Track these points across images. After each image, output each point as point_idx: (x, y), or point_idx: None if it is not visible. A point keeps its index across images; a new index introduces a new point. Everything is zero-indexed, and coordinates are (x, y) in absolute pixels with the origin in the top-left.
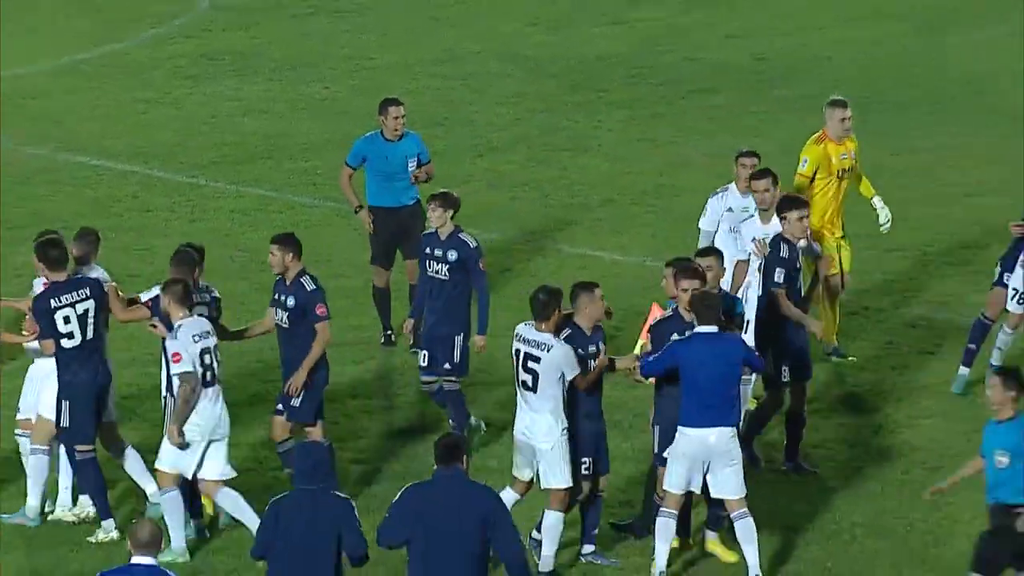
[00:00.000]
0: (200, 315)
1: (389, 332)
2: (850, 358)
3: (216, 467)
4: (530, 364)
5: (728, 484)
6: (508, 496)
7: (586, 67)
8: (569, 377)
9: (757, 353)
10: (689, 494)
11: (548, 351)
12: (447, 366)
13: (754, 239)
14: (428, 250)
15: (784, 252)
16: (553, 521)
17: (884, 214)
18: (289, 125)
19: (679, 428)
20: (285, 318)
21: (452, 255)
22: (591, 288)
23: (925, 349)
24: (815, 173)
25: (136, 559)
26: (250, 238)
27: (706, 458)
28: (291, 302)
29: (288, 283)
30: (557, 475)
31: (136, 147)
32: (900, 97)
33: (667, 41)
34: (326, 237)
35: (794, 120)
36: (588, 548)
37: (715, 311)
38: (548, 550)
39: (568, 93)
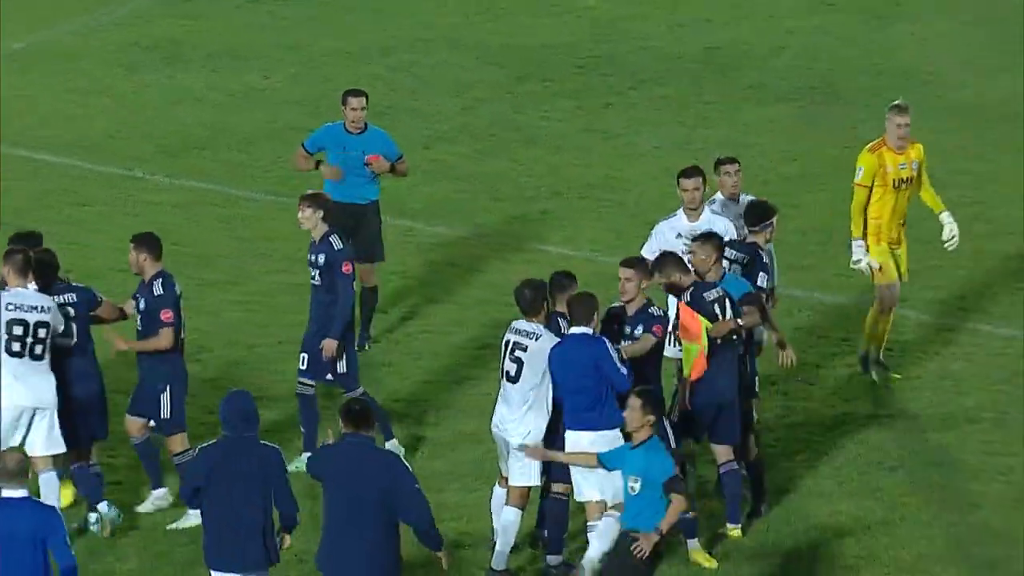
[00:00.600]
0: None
1: (366, 337)
2: (895, 375)
3: (39, 442)
4: (516, 353)
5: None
6: (498, 492)
7: (533, 56)
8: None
9: (624, 369)
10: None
11: (536, 339)
12: (329, 377)
13: (684, 238)
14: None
15: (766, 258)
16: (511, 518)
17: (949, 230)
18: (227, 116)
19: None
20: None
21: (321, 259)
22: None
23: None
24: (872, 182)
25: (6, 492)
26: (188, 232)
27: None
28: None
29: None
30: (524, 472)
31: (70, 139)
32: (849, 87)
33: (616, 30)
34: (267, 231)
35: (746, 110)
36: (553, 559)
37: (590, 312)
38: (501, 547)
39: (515, 83)
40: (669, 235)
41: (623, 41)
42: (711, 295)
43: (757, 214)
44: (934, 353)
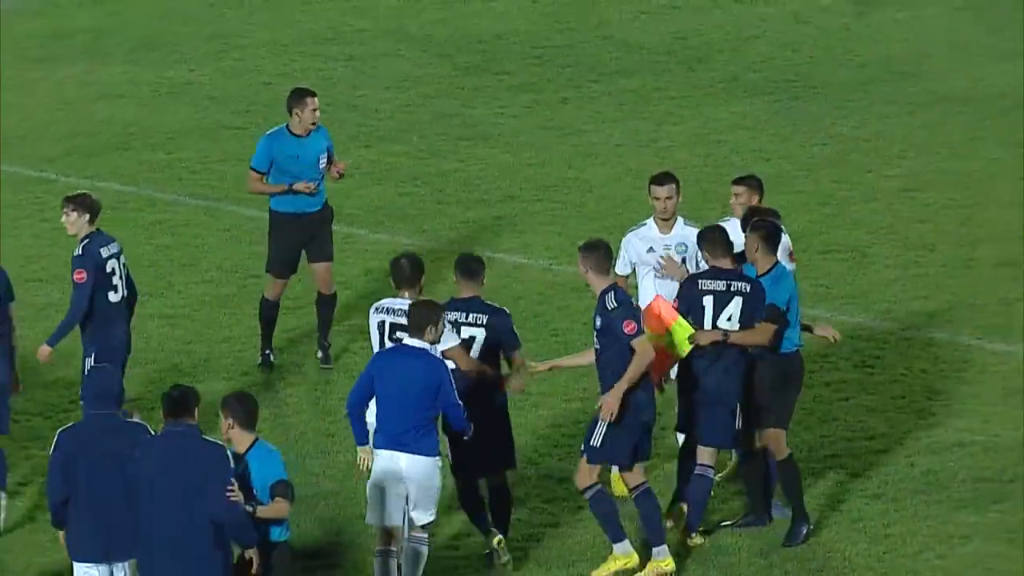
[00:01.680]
0: None
1: (268, 352)
2: None
3: None
4: (398, 333)
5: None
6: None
7: (484, 46)
8: (443, 348)
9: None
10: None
11: None
12: None
13: (657, 252)
14: None
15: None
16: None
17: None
18: (150, 112)
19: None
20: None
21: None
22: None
23: (864, 362)
24: None
25: None
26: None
27: (398, 479)
28: None
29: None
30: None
31: None
32: (829, 80)
33: (575, 17)
34: (193, 237)
35: (716, 105)
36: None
37: (427, 323)
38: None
39: (464, 75)
40: (640, 247)
41: (582, 30)
42: (709, 285)
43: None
44: (920, 370)
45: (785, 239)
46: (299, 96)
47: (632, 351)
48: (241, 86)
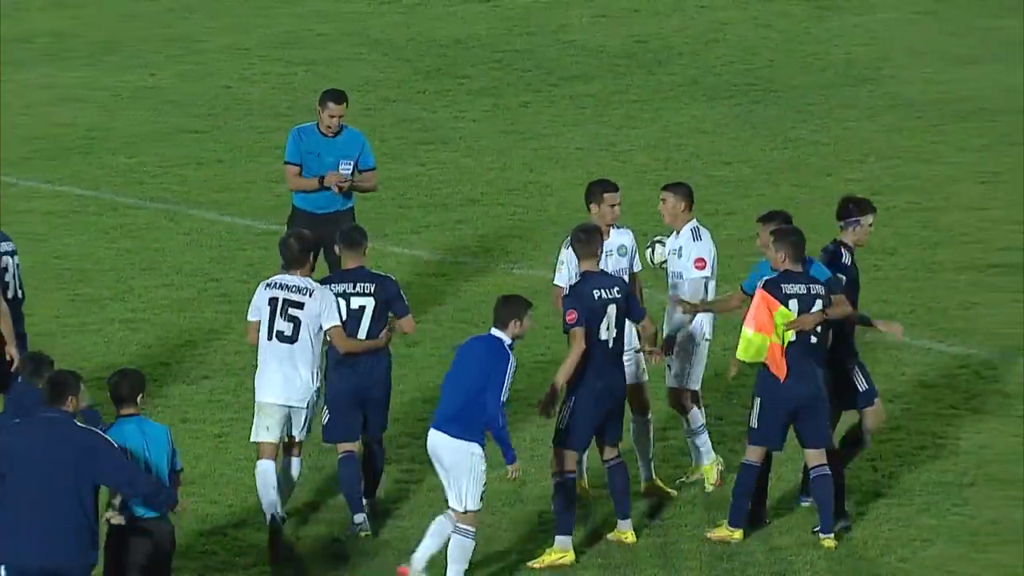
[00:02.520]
0: None
1: None
2: None
3: None
4: (291, 311)
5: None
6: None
7: (445, 51)
8: (326, 327)
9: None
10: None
11: (310, 295)
12: None
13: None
14: None
15: (847, 259)
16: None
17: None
18: (110, 116)
19: None
20: None
21: None
22: None
23: None
24: None
25: None
26: (68, 243)
27: (438, 460)
28: None
29: None
30: (303, 431)
31: None
32: (789, 84)
33: (535, 22)
34: (153, 241)
35: (676, 109)
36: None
37: (513, 318)
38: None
39: (425, 80)
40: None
41: (542, 34)
42: (792, 289)
43: (844, 208)
44: (881, 373)
45: (701, 246)
46: (322, 99)
47: None
48: (201, 90)
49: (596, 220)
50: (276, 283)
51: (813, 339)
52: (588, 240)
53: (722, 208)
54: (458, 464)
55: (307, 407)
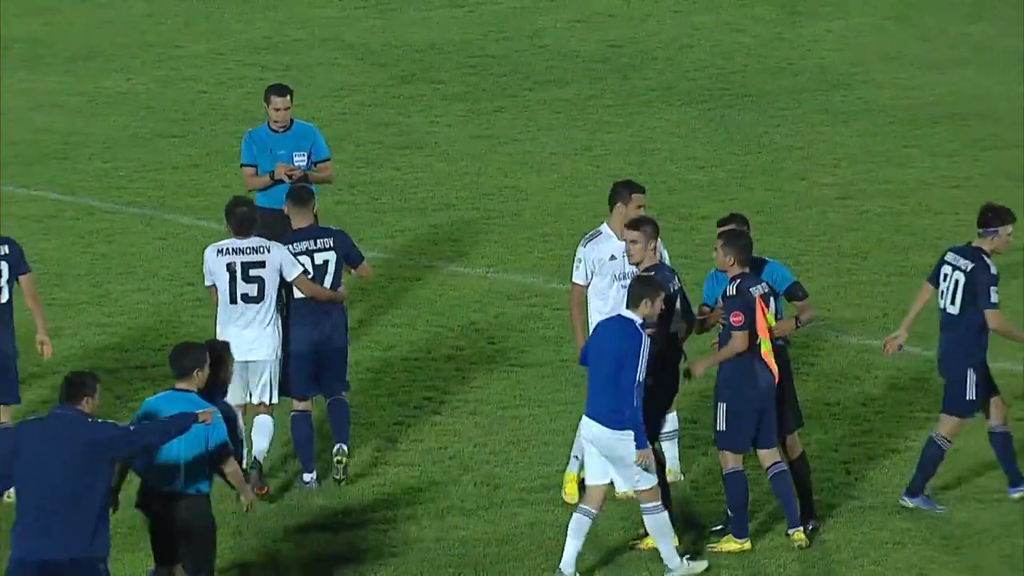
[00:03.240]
0: None
1: None
2: None
3: None
4: (252, 272)
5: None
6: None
7: (420, 56)
8: (290, 277)
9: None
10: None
11: (268, 252)
12: None
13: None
14: None
15: (993, 269)
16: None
17: None
18: (87, 121)
19: None
20: None
21: None
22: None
23: (798, 370)
24: None
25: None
26: (44, 247)
27: (598, 448)
28: None
29: None
30: (271, 391)
31: None
32: (763, 89)
33: (510, 26)
34: (130, 246)
35: (650, 114)
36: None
37: (644, 297)
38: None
39: (400, 85)
40: (603, 254)
41: (517, 39)
42: (757, 289)
43: (984, 217)
44: (854, 377)
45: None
46: (266, 94)
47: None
48: (178, 95)
49: (617, 221)
50: (228, 248)
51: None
52: (740, 239)
53: (696, 212)
54: (616, 451)
55: (271, 361)
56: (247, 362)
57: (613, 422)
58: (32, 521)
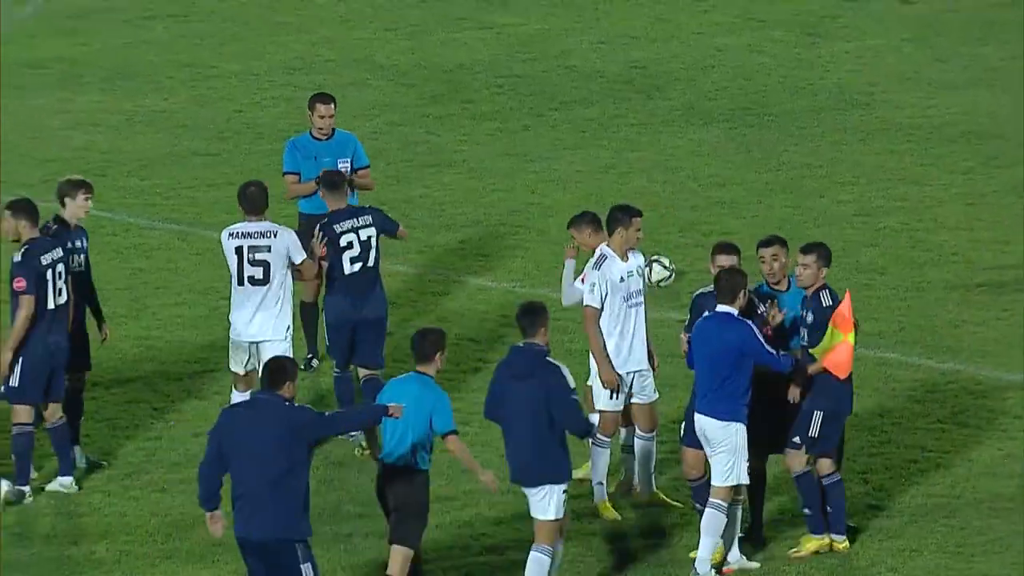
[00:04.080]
0: None
1: (311, 356)
2: None
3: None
4: (258, 255)
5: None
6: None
7: (449, 76)
8: (297, 261)
9: (773, 351)
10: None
11: (275, 236)
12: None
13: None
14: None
15: None
16: None
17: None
18: (124, 140)
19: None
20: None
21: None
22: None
23: None
24: None
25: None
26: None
27: (705, 440)
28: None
29: None
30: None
31: None
32: (783, 109)
33: (537, 48)
34: (166, 261)
35: (672, 132)
36: None
37: (739, 288)
38: None
39: (430, 104)
40: (613, 277)
41: (544, 60)
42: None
43: None
44: (872, 389)
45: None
46: (311, 101)
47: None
48: (213, 114)
49: (618, 244)
50: (238, 232)
51: None
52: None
53: (717, 229)
54: (722, 442)
55: (281, 341)
56: (257, 342)
57: (722, 413)
58: (245, 502)
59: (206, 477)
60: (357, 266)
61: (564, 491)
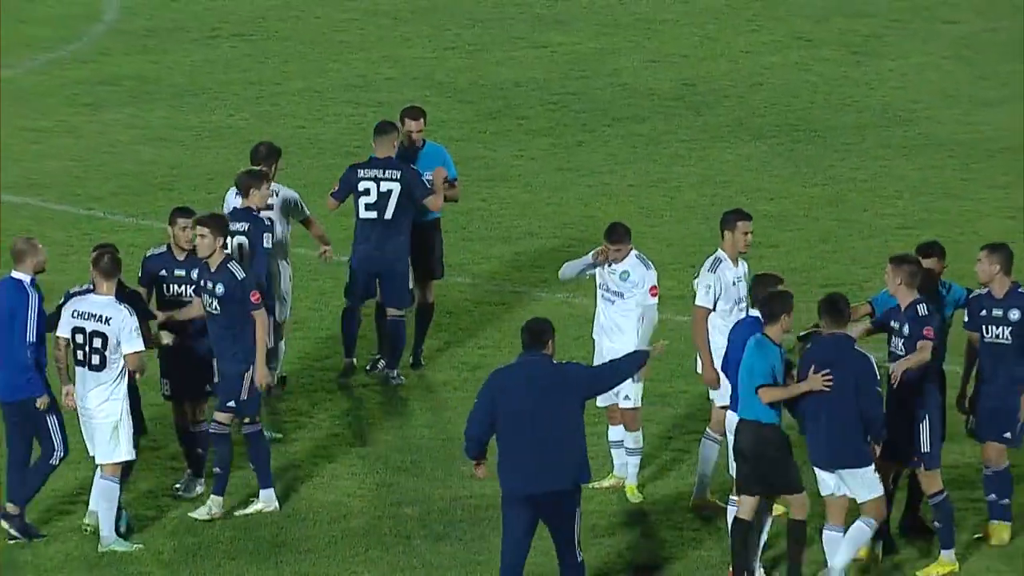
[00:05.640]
0: None
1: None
2: None
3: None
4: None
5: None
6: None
7: (505, 93)
8: (300, 218)
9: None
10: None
11: (276, 195)
12: (231, 404)
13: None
14: (201, 282)
15: None
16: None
17: None
18: (192, 154)
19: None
20: (216, 304)
21: (220, 288)
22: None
23: None
24: None
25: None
26: None
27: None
28: (220, 289)
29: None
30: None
31: (30, 178)
32: (829, 125)
33: (590, 66)
34: None
35: (722, 148)
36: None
37: (783, 312)
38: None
39: (486, 120)
40: (727, 280)
41: (596, 77)
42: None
43: None
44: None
45: (652, 274)
46: (401, 117)
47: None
48: (277, 130)
49: (729, 247)
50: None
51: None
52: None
53: (765, 241)
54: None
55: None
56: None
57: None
58: (528, 459)
59: (475, 438)
60: (372, 214)
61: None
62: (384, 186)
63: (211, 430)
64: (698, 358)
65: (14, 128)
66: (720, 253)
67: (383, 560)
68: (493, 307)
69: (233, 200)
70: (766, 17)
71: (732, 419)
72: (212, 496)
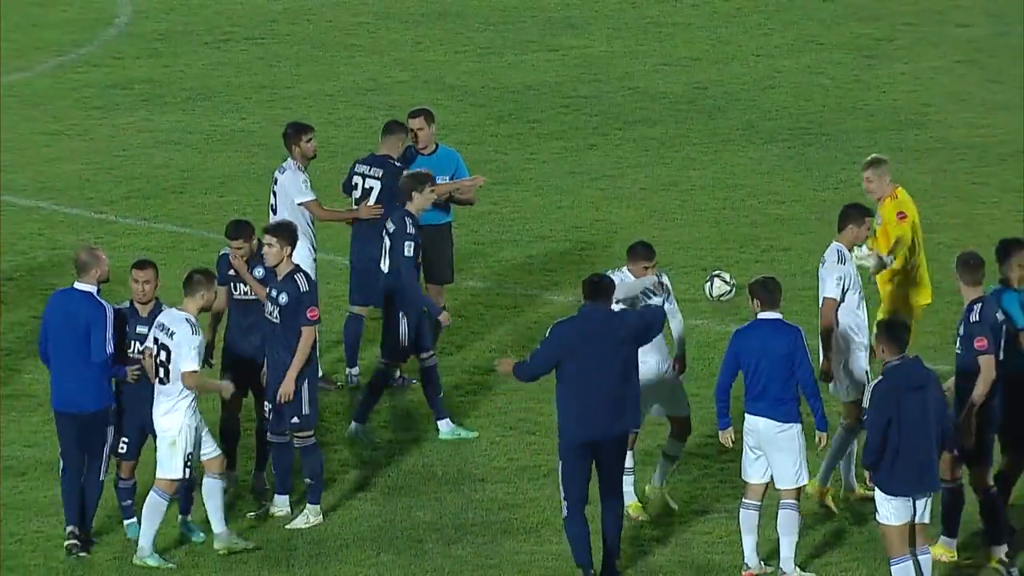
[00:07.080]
0: None
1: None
2: None
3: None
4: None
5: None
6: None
7: (516, 96)
8: (298, 201)
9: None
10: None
11: (282, 172)
12: (295, 420)
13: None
14: (268, 290)
15: None
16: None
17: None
18: (203, 158)
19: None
20: (277, 314)
21: (283, 298)
22: None
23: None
24: None
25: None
26: (162, 277)
27: (759, 444)
28: (283, 299)
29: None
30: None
31: (41, 181)
32: (840, 128)
33: (601, 70)
34: None
35: (733, 151)
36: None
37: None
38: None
39: (497, 124)
40: (853, 271)
41: (608, 81)
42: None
43: None
44: None
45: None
46: (407, 117)
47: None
48: None
49: (848, 240)
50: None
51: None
52: (976, 267)
53: (776, 244)
54: (777, 443)
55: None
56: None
57: (782, 415)
58: (586, 407)
59: (533, 379)
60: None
61: None
62: (368, 183)
63: (296, 445)
64: (819, 350)
65: (26, 131)
66: (839, 246)
67: (395, 564)
68: (504, 310)
69: (280, 175)
70: (778, 21)
71: (752, 423)
72: (308, 505)
